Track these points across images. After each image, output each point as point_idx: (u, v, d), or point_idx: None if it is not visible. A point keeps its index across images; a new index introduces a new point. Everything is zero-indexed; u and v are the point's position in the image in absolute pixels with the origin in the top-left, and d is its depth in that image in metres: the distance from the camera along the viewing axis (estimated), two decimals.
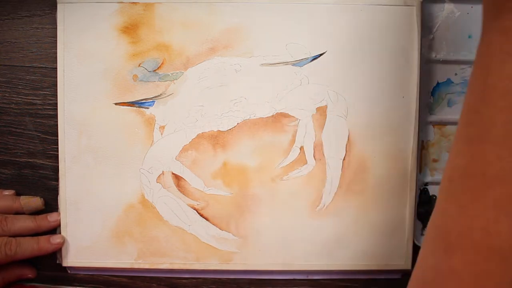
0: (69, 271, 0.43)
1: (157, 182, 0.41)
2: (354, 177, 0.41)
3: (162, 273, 0.43)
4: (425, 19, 0.41)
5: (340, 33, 0.40)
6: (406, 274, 0.43)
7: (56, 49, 0.40)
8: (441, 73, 0.42)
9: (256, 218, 0.41)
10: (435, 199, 0.43)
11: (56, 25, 0.40)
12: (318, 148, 0.41)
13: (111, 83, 0.40)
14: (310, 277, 0.43)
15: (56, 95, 0.40)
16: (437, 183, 0.42)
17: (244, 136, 0.41)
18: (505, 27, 0.21)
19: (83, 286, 0.43)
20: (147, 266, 0.41)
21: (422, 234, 0.43)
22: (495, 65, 0.22)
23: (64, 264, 0.41)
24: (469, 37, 0.42)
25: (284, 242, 0.41)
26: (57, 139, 0.41)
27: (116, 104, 0.40)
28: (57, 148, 0.41)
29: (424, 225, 0.43)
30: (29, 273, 0.41)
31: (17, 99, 0.42)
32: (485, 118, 0.22)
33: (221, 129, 0.41)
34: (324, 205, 0.41)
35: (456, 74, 0.42)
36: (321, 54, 0.40)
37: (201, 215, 0.41)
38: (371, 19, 0.40)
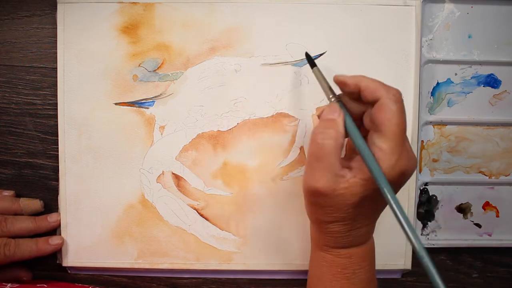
0: (69, 271, 0.43)
1: (157, 182, 0.41)
2: None
3: (162, 273, 0.43)
4: (425, 19, 0.41)
5: (340, 33, 0.40)
6: (406, 274, 0.43)
7: (56, 49, 0.40)
8: (441, 73, 0.42)
9: (256, 218, 0.41)
10: (435, 199, 0.43)
11: (56, 25, 0.40)
12: None
13: (111, 83, 0.40)
14: None
15: (56, 95, 0.40)
16: (437, 183, 0.43)
17: (244, 136, 0.41)
18: (322, 255, 0.32)
19: None
20: (147, 266, 0.41)
21: (422, 234, 0.43)
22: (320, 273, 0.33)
23: (64, 264, 0.41)
24: (469, 37, 0.42)
25: (284, 242, 0.41)
26: (57, 139, 0.41)
27: (116, 104, 0.40)
28: (57, 148, 0.41)
29: (424, 225, 0.43)
30: (24, 275, 0.41)
31: (17, 99, 0.42)
32: None
33: (221, 129, 0.41)
34: None
35: (456, 74, 0.42)
36: (321, 54, 0.40)
37: (201, 215, 0.41)
38: (371, 19, 0.40)
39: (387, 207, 0.29)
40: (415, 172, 0.41)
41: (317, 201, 0.30)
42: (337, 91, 0.32)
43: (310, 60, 0.36)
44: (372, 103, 0.29)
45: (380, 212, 0.32)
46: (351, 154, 0.33)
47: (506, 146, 0.43)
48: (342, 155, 0.31)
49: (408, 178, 0.30)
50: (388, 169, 0.27)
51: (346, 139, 0.31)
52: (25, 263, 0.43)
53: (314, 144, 0.29)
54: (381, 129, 0.28)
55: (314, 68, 0.35)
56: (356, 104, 0.30)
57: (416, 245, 0.26)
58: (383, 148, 0.28)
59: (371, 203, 0.29)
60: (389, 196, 0.27)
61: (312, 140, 0.29)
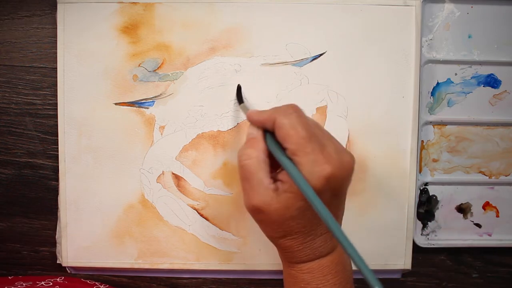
0: (69, 271, 0.43)
1: (157, 182, 0.41)
2: (354, 177, 0.40)
3: (162, 273, 0.43)
4: (425, 19, 0.41)
5: (340, 33, 0.40)
6: (406, 274, 0.43)
7: (56, 49, 0.40)
8: (441, 73, 0.42)
9: None
10: (435, 199, 0.43)
11: (56, 25, 0.40)
12: None
13: (111, 83, 0.40)
14: None
15: (56, 95, 0.40)
16: (437, 183, 0.43)
17: (244, 136, 0.41)
18: (287, 271, 0.32)
19: None
20: (147, 266, 0.41)
21: (422, 234, 0.43)
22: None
23: (64, 264, 0.41)
24: (469, 37, 0.42)
25: None
26: (57, 139, 0.40)
27: (116, 104, 0.40)
28: (57, 148, 0.41)
29: (424, 225, 0.43)
30: None
31: (17, 99, 0.42)
32: None
33: (221, 129, 0.41)
34: None
35: (456, 74, 0.42)
36: (321, 54, 0.40)
37: (201, 215, 0.41)
38: (371, 19, 0.40)
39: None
40: (415, 172, 0.41)
41: (259, 218, 0.30)
42: None
43: (239, 95, 0.39)
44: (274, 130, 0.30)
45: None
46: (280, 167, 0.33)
47: (506, 146, 0.43)
48: None
49: (343, 182, 0.29)
50: (308, 178, 0.27)
51: None
52: (25, 263, 0.43)
53: (239, 165, 0.30)
54: (287, 146, 0.28)
55: (241, 104, 0.38)
56: None
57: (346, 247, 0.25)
58: (296, 161, 0.28)
59: (310, 212, 0.29)
60: (315, 203, 0.26)
61: (238, 162, 0.30)
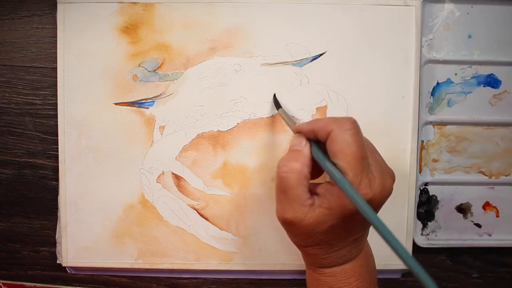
0: (69, 271, 0.43)
1: (157, 182, 0.41)
2: None
3: (162, 273, 0.43)
4: (425, 19, 0.41)
5: (340, 33, 0.40)
6: (406, 274, 0.43)
7: (56, 49, 0.40)
8: (441, 73, 0.42)
9: (256, 218, 0.41)
10: (435, 199, 0.43)
11: (56, 25, 0.40)
12: None
13: (111, 83, 0.40)
14: None
15: (56, 95, 0.40)
16: (437, 183, 0.43)
17: (244, 136, 0.41)
18: (310, 273, 0.33)
19: (83, 286, 0.43)
20: (147, 266, 0.41)
21: (422, 234, 0.43)
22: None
23: (64, 264, 0.41)
24: (469, 37, 0.42)
25: (284, 242, 0.41)
26: (57, 139, 0.41)
27: (116, 104, 0.40)
28: (57, 148, 0.41)
29: (424, 225, 0.43)
30: None
31: (17, 99, 0.42)
32: None
33: (221, 129, 0.41)
34: None
35: (456, 74, 0.42)
36: (321, 54, 0.40)
37: (201, 215, 0.41)
38: (371, 19, 0.40)
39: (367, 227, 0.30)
40: (415, 172, 0.41)
41: (289, 229, 0.30)
42: None
43: (276, 102, 0.39)
44: (325, 141, 0.29)
45: (360, 235, 0.31)
46: (323, 179, 0.33)
47: (506, 146, 0.43)
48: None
49: (380, 204, 0.29)
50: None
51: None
52: (25, 263, 0.43)
53: (278, 177, 0.29)
54: (337, 162, 0.28)
55: (280, 109, 0.38)
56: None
57: (404, 257, 0.24)
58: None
59: (342, 229, 0.29)
60: (371, 217, 0.25)
61: (277, 173, 0.29)
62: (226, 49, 0.40)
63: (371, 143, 0.31)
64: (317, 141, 0.30)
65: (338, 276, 0.31)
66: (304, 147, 0.30)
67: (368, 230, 0.32)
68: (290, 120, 0.35)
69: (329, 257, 0.31)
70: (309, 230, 0.29)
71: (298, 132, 0.31)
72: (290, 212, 0.29)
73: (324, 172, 0.32)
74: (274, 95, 0.40)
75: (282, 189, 0.29)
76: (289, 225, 0.29)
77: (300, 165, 0.29)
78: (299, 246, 0.32)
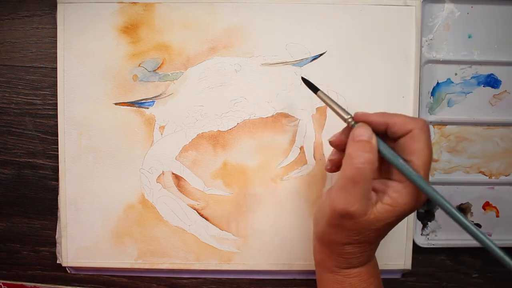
0: (69, 271, 0.43)
1: (157, 182, 0.41)
2: None
3: (162, 273, 0.43)
4: (425, 19, 0.41)
5: (340, 33, 0.40)
6: (406, 274, 0.43)
7: (56, 49, 0.40)
8: (441, 73, 0.42)
9: (256, 218, 0.41)
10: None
11: (56, 25, 0.40)
12: (318, 148, 0.41)
13: (111, 83, 0.40)
14: (310, 277, 0.43)
15: (56, 95, 0.40)
16: (437, 183, 0.42)
17: (244, 136, 0.41)
18: (331, 277, 0.33)
19: (83, 286, 0.43)
20: (147, 266, 0.41)
21: (422, 234, 0.43)
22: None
23: (64, 264, 0.41)
24: (469, 37, 0.42)
25: (284, 242, 0.41)
26: (57, 139, 0.41)
27: (116, 104, 0.40)
28: (57, 148, 0.41)
29: (424, 225, 0.43)
30: None
31: (17, 99, 0.42)
32: None
33: (221, 129, 0.41)
34: None
35: (456, 74, 0.42)
36: (321, 54, 0.40)
37: (201, 215, 0.41)
38: (371, 19, 0.40)
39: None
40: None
41: (344, 223, 0.29)
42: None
43: (311, 85, 0.34)
44: (399, 136, 0.29)
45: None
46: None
47: (506, 146, 0.43)
48: None
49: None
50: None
51: None
52: (25, 263, 0.43)
53: (352, 167, 0.28)
54: (412, 159, 0.28)
55: (318, 92, 0.33)
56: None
57: (490, 246, 0.27)
58: None
59: (390, 227, 0.30)
60: (452, 211, 0.27)
61: (350, 163, 0.28)
62: (226, 49, 0.40)
63: None
64: (378, 133, 0.30)
65: (363, 276, 0.32)
66: (372, 139, 0.29)
67: None
68: (334, 103, 0.32)
69: (362, 255, 0.31)
70: (366, 226, 0.29)
71: (367, 122, 0.30)
72: (357, 204, 0.28)
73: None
74: (303, 78, 0.35)
75: (355, 181, 0.28)
76: (348, 218, 0.29)
77: (374, 157, 0.28)
78: (335, 244, 0.31)
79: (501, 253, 0.26)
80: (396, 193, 0.28)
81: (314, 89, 0.34)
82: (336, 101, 0.33)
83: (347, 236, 0.30)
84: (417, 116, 0.41)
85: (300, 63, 0.40)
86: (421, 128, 0.29)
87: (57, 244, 0.42)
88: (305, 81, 0.35)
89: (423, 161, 0.28)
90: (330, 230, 0.30)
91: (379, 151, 0.29)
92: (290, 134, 0.41)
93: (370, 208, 0.28)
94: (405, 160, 0.28)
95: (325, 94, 0.33)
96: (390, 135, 0.30)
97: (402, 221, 0.40)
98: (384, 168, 0.30)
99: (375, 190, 0.29)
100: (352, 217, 0.28)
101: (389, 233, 0.31)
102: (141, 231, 0.41)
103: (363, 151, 0.28)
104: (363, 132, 0.29)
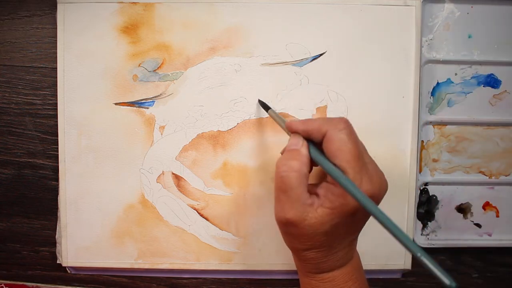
0: (69, 271, 0.43)
1: (157, 182, 0.41)
2: None
3: (162, 273, 0.43)
4: (425, 19, 0.41)
5: (340, 33, 0.40)
6: (406, 274, 0.43)
7: (56, 49, 0.40)
8: (441, 73, 0.42)
9: (256, 218, 0.41)
10: (435, 199, 0.43)
11: (56, 25, 0.40)
12: None
13: (111, 83, 0.40)
14: None
15: (56, 95, 0.40)
16: (437, 183, 0.43)
17: (244, 136, 0.41)
18: (307, 281, 0.32)
19: (83, 286, 0.43)
20: (147, 266, 0.41)
21: (422, 234, 0.43)
22: None
23: (64, 264, 0.41)
24: (469, 37, 0.42)
25: (284, 242, 0.41)
26: (57, 139, 0.41)
27: (116, 104, 0.40)
28: (57, 148, 0.41)
29: (424, 225, 0.43)
30: None
31: (17, 99, 0.42)
32: None
33: (221, 129, 0.41)
34: None
35: (456, 74, 0.42)
36: (321, 54, 0.40)
37: (201, 215, 0.41)
38: (371, 19, 0.40)
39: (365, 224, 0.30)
40: (415, 172, 0.41)
41: (289, 231, 0.30)
42: None
43: (263, 105, 0.39)
44: (320, 142, 0.29)
45: (356, 235, 0.32)
46: (318, 179, 0.33)
47: (506, 146, 0.43)
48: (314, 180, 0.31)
49: (378, 201, 0.30)
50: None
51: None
52: (25, 263, 0.43)
53: (277, 177, 0.29)
54: (335, 161, 0.28)
55: (269, 110, 0.37)
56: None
57: (411, 248, 0.25)
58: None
59: (343, 229, 0.29)
60: (376, 212, 0.26)
61: (276, 173, 0.29)
62: (226, 49, 0.40)
63: (361, 142, 0.31)
64: (311, 141, 0.30)
65: (337, 281, 0.31)
66: (302, 147, 0.30)
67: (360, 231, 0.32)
68: (281, 120, 0.35)
69: (328, 260, 0.31)
70: (311, 231, 0.29)
71: (294, 132, 0.31)
72: (292, 212, 0.28)
73: (314, 171, 0.33)
74: (259, 100, 0.40)
75: (282, 189, 0.29)
76: (290, 226, 0.29)
77: (299, 164, 0.29)
78: (297, 250, 0.31)
79: (405, 240, 0.26)
80: (333, 196, 0.28)
81: (266, 107, 0.38)
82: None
83: (300, 243, 0.30)
84: (416, 116, 0.41)
85: (300, 63, 0.40)
86: (335, 128, 0.28)
87: (57, 244, 0.42)
88: (260, 102, 0.40)
89: (346, 160, 0.28)
90: (286, 238, 0.31)
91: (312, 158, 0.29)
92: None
93: (310, 213, 0.28)
94: (333, 162, 0.28)
95: (275, 113, 0.36)
96: (315, 141, 0.30)
97: (402, 221, 0.41)
98: (325, 172, 0.31)
99: (317, 194, 0.29)
100: (292, 224, 0.29)
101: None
102: (141, 231, 0.41)
103: (287, 159, 0.29)
104: (293, 142, 0.30)
